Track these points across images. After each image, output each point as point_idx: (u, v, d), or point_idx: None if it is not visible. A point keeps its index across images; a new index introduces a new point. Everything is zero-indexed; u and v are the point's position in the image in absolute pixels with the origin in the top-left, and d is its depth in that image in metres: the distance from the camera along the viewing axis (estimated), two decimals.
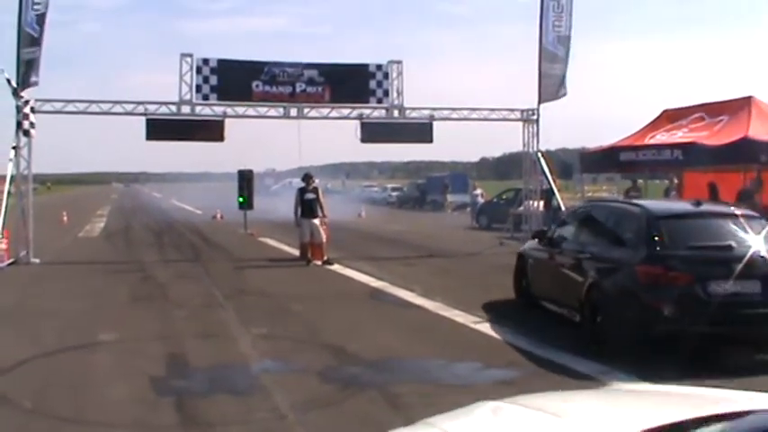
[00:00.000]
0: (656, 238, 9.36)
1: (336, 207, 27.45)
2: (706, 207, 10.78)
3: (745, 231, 9.44)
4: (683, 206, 11.20)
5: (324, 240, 18.69)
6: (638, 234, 9.71)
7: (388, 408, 7.18)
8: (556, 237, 11.76)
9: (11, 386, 7.86)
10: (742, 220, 9.75)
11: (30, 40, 19.06)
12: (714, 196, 19.53)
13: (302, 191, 18.95)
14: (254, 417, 6.96)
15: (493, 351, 9.62)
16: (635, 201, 12.32)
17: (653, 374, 7.46)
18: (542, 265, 11.96)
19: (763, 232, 9.44)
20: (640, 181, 23.71)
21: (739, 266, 8.79)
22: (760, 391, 3.24)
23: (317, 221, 18.60)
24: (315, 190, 18.92)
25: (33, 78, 19.38)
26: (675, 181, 23.05)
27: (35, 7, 19.10)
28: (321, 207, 18.80)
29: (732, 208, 11.16)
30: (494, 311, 12.05)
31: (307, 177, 19.27)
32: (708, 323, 8.60)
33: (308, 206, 18.69)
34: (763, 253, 9.04)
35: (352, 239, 24.13)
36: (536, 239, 12.80)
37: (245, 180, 27.72)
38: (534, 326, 10.88)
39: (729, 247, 9.17)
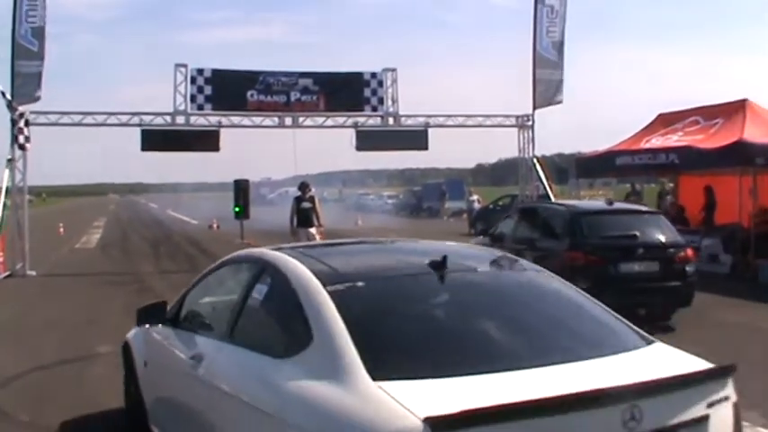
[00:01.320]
0: (578, 231, 11.79)
1: (333, 215, 27.43)
2: (617, 206, 13.53)
3: (648, 224, 12.11)
4: (599, 205, 13.84)
5: None
6: (563, 228, 12.10)
7: None
8: (497, 233, 13.98)
9: (7, 399, 7.82)
10: (645, 215, 12.76)
11: (26, 53, 19.06)
12: (710, 199, 19.59)
13: (298, 200, 18.86)
14: None
15: None
16: (561, 201, 14.62)
17: None
18: None
19: (661, 225, 12.17)
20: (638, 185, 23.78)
21: (642, 251, 11.50)
22: None
23: (313, 230, 18.52)
24: (311, 199, 18.84)
25: (37, 93, 19.39)
26: (671, 185, 23.08)
27: (29, 20, 19.10)
28: (317, 216, 18.73)
29: (637, 206, 14.49)
30: None
31: (303, 186, 19.19)
32: (618, 296, 9.81)
33: (304, 215, 18.59)
34: (660, 240, 11.75)
35: None
36: (480, 237, 14.76)
37: (241, 190, 27.65)
38: None
39: (635, 236, 11.62)
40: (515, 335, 3.99)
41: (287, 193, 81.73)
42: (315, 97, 21.38)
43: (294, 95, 21.25)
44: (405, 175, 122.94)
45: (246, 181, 28.35)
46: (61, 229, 36.42)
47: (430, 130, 22.12)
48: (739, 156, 16.38)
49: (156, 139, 20.71)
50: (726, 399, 3.69)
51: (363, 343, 3.52)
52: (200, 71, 20.74)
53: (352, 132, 21.60)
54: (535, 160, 23.03)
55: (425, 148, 22.24)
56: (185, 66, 20.62)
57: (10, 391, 8.20)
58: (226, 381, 4.20)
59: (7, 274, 18.77)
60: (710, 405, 3.56)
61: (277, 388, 3.64)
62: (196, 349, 4.82)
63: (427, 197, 53.06)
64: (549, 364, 3.54)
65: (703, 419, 3.50)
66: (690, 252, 12.10)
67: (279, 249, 4.97)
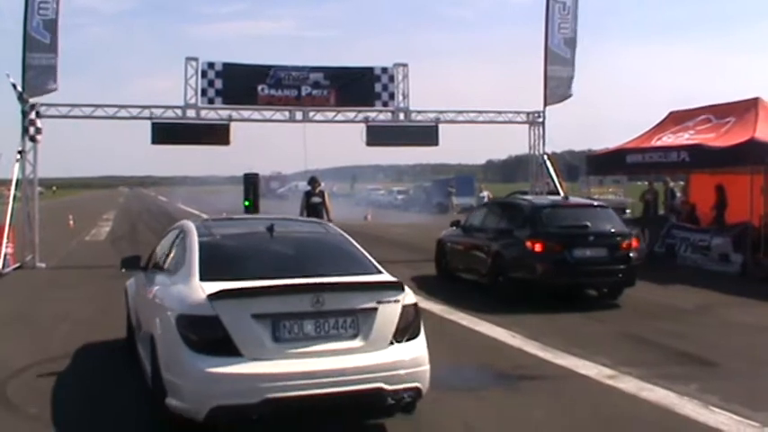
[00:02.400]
0: (538, 222, 13.61)
1: (343, 210, 27.40)
2: (572, 200, 15.72)
3: (598, 216, 13.94)
4: (556, 200, 15.76)
5: None
6: (525, 219, 13.88)
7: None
8: (467, 225, 15.98)
9: (17, 391, 7.87)
10: (597, 209, 14.59)
11: (38, 45, 19.10)
12: (721, 198, 19.49)
13: (308, 194, 18.88)
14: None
15: (500, 354, 9.59)
16: (523, 197, 16.08)
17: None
18: (458, 246, 15.99)
19: (610, 217, 14.04)
20: (659, 182, 23.64)
21: (592, 239, 13.34)
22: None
23: None
24: (321, 194, 18.84)
25: (52, 85, 19.43)
26: (672, 183, 22.93)
27: (41, 12, 19.13)
28: (327, 211, 18.71)
29: (589, 200, 17.08)
30: (497, 314, 12.03)
31: (312, 181, 19.21)
32: (572, 277, 13.24)
33: (313, 210, 18.57)
34: (608, 230, 13.58)
35: (357, 242, 24.06)
36: (452, 227, 16.77)
37: (251, 183, 27.57)
38: (556, 328, 10.86)
39: (586, 227, 13.45)
40: (292, 262, 7.03)
41: (297, 188, 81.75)
42: (325, 92, 21.35)
43: (305, 90, 21.22)
44: (415, 170, 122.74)
45: (256, 175, 28.28)
46: (71, 222, 36.54)
47: (440, 126, 22.06)
48: (751, 154, 16.28)
49: (166, 133, 20.72)
50: (396, 301, 6.27)
51: (203, 265, 6.60)
52: (211, 65, 20.73)
53: (362, 127, 21.56)
54: (546, 157, 22.94)
55: (436, 143, 22.18)
56: (196, 59, 20.62)
57: (20, 382, 8.24)
58: (152, 292, 7.36)
59: (17, 265, 18.83)
60: (379, 302, 6.20)
61: (164, 288, 7.00)
62: (148, 280, 8.01)
63: (437, 193, 53.00)
64: (302, 276, 6.36)
65: (374, 310, 6.17)
66: (634, 241, 13.86)
67: (192, 220, 8.15)
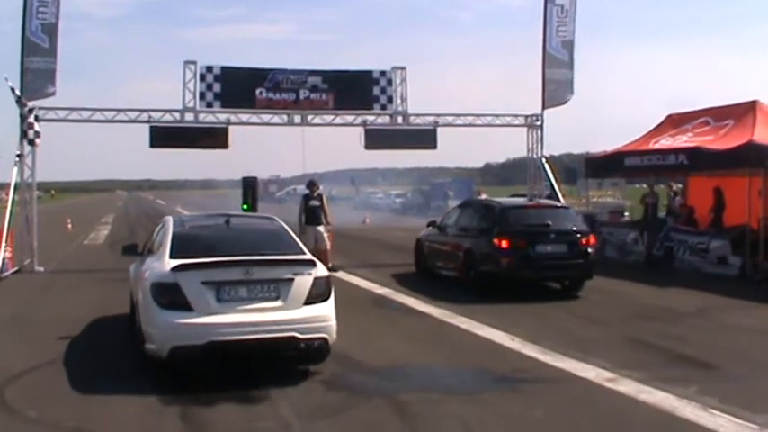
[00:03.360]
0: (504, 221, 14.99)
1: (341, 214, 27.40)
2: (536, 202, 17.71)
3: (559, 216, 15.51)
4: (522, 201, 17.88)
5: (328, 248, 18.57)
6: (493, 219, 15.26)
7: (395, 416, 7.14)
8: (442, 224, 17.37)
9: (15, 395, 7.86)
10: (558, 209, 16.39)
11: (36, 49, 19.09)
12: (719, 201, 19.50)
13: (307, 198, 18.87)
14: (259, 426, 6.92)
15: (499, 358, 9.60)
16: (491, 199, 17.77)
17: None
18: (435, 244, 17.31)
19: (570, 216, 15.70)
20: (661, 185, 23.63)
21: (553, 236, 14.76)
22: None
23: (321, 228, 18.50)
24: (319, 197, 18.84)
25: (50, 89, 19.43)
26: (674, 186, 22.91)
27: (40, 16, 19.12)
28: (325, 214, 18.72)
29: (552, 202, 18.64)
30: (497, 318, 12.03)
31: (311, 184, 19.22)
32: (535, 270, 14.62)
33: (312, 213, 18.58)
34: (568, 228, 15.00)
35: (356, 246, 24.10)
36: (429, 227, 18.12)
37: (250, 187, 27.54)
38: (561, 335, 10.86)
39: (548, 225, 14.89)
40: (237, 244, 9.13)
41: (295, 191, 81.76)
42: (324, 95, 21.34)
43: (303, 93, 21.22)
44: (413, 173, 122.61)
45: (255, 178, 28.25)
46: (69, 226, 36.52)
47: (439, 129, 22.07)
48: (749, 157, 16.30)
49: (164, 136, 20.69)
50: (309, 274, 8.53)
51: (174, 247, 8.91)
52: (210, 68, 20.73)
53: (360, 131, 21.56)
54: (544, 160, 22.96)
55: (434, 147, 22.18)
56: (194, 63, 20.61)
57: (19, 386, 8.24)
58: (141, 271, 9.43)
59: (15, 269, 18.81)
60: (295, 274, 8.48)
61: (148, 265, 9.21)
62: (141, 261, 10.06)
63: (435, 196, 52.94)
64: (242, 255, 8.54)
65: (291, 279, 8.42)
66: (592, 238, 15.22)
67: (172, 215, 11.06)
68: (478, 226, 15.63)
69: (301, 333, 8.28)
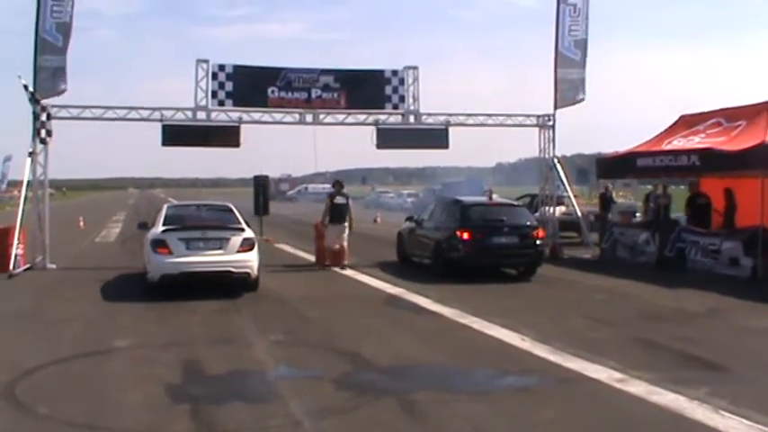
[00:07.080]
0: (466, 216, 17.66)
1: (354, 213, 27.34)
2: (495, 200, 20.09)
3: (513, 213, 18.35)
4: (482, 200, 20.17)
5: (346, 245, 18.96)
6: (457, 214, 17.83)
7: (405, 415, 7.14)
8: (419, 219, 19.81)
9: (26, 391, 7.89)
10: (513, 207, 19.24)
11: (50, 48, 19.16)
12: (731, 202, 19.41)
13: (332, 195, 19.38)
14: (269, 424, 6.93)
15: (510, 358, 9.58)
16: (457, 198, 19.96)
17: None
18: (412, 235, 19.84)
19: (522, 213, 18.45)
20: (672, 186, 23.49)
21: (507, 229, 17.42)
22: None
23: (345, 225, 18.96)
24: (345, 195, 19.56)
25: (62, 86, 19.49)
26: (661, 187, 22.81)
27: (54, 15, 19.20)
28: (350, 213, 19.39)
29: (508, 200, 21.17)
30: (508, 318, 12.01)
31: (336, 183, 19.90)
32: (491, 259, 17.43)
33: (337, 210, 19.18)
34: (520, 223, 17.63)
35: (368, 245, 24.07)
36: (407, 222, 20.62)
37: (261, 186, 27.72)
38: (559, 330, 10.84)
39: (503, 220, 17.68)
40: (202, 218, 15.85)
41: (306, 190, 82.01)
42: (336, 94, 21.32)
43: (315, 92, 21.20)
44: (425, 173, 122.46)
45: (266, 177, 28.41)
46: (81, 223, 36.65)
47: (450, 129, 22.03)
48: (762, 158, 16.22)
49: (176, 135, 20.71)
50: (239, 235, 14.71)
51: (166, 222, 15.16)
52: (222, 67, 20.74)
53: (372, 130, 21.53)
54: (556, 160, 22.89)
55: (446, 146, 22.14)
56: (207, 61, 20.62)
57: (30, 382, 8.27)
58: (147, 237, 15.11)
59: (28, 266, 18.89)
60: (232, 235, 14.68)
61: (150, 234, 14.97)
62: (149, 233, 15.03)
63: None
64: (207, 229, 14.74)
65: (228, 238, 14.59)
66: (540, 231, 17.94)
67: (167, 202, 19.31)
68: (446, 220, 18.13)
69: (234, 268, 14.27)
